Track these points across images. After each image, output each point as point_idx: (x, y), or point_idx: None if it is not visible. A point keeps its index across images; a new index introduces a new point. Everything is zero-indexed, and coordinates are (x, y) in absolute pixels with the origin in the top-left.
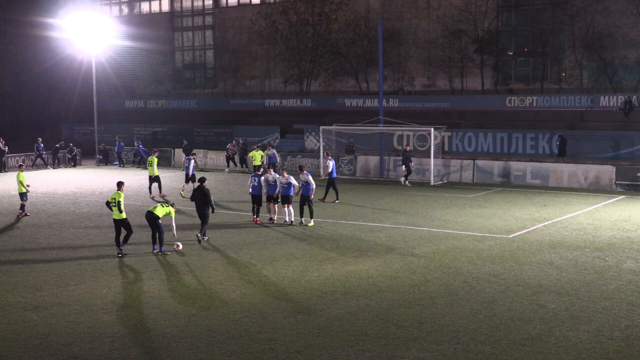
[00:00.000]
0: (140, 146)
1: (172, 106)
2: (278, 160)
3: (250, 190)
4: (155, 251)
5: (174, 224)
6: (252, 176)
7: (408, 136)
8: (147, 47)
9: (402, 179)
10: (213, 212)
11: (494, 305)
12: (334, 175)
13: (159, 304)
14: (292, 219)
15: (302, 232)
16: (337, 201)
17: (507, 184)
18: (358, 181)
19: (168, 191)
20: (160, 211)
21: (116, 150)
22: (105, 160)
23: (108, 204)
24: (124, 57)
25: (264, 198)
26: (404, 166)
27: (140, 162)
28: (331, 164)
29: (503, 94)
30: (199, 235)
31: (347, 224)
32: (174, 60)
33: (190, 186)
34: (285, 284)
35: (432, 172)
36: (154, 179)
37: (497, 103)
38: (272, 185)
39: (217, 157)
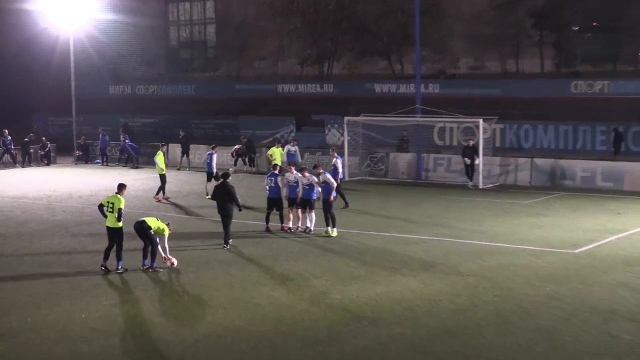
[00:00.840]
0: (127, 141)
1: (166, 93)
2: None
3: (268, 192)
4: (144, 267)
5: (166, 245)
6: (268, 176)
7: (451, 128)
8: (135, 22)
9: (470, 182)
10: (240, 210)
11: (556, 335)
12: (342, 176)
13: (149, 331)
14: (312, 227)
15: (322, 244)
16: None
17: (572, 188)
18: (390, 183)
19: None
20: (153, 223)
21: (99, 145)
22: (85, 157)
23: (101, 207)
24: (108, 33)
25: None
26: (470, 164)
27: (127, 160)
28: (339, 162)
29: (567, 78)
30: (226, 245)
31: (376, 236)
32: (167, 38)
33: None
34: (302, 308)
35: (480, 172)
36: (162, 177)
37: (560, 89)
38: (292, 186)
39: (219, 154)
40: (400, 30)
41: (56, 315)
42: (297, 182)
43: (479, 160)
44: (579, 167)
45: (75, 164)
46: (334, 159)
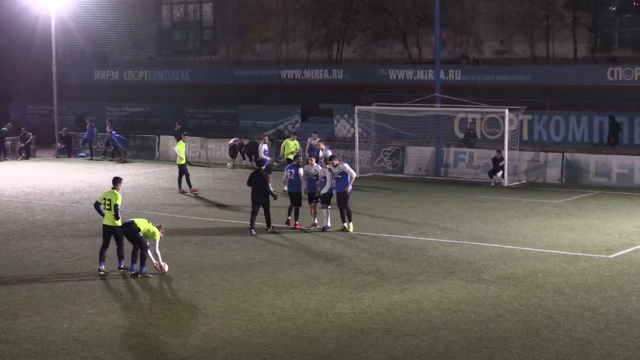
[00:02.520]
0: (114, 132)
1: (157, 78)
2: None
3: (286, 187)
4: (133, 272)
5: (157, 252)
6: (287, 168)
7: (474, 119)
8: (124, 0)
9: (492, 180)
10: (275, 199)
11: (589, 348)
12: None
13: (138, 343)
14: (329, 224)
15: (331, 248)
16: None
17: (608, 186)
18: (406, 180)
19: (156, 193)
20: (142, 225)
21: (85, 137)
22: (68, 150)
23: (98, 205)
24: (94, 12)
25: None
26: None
27: (114, 153)
28: (329, 153)
29: (603, 64)
30: (268, 228)
31: (390, 238)
32: (159, 18)
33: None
34: (308, 318)
35: (506, 168)
36: (181, 168)
37: (595, 76)
38: (312, 179)
39: (216, 148)
40: (418, 9)
41: (35, 325)
42: (317, 175)
43: (504, 158)
44: (615, 163)
45: (57, 157)
46: (322, 152)
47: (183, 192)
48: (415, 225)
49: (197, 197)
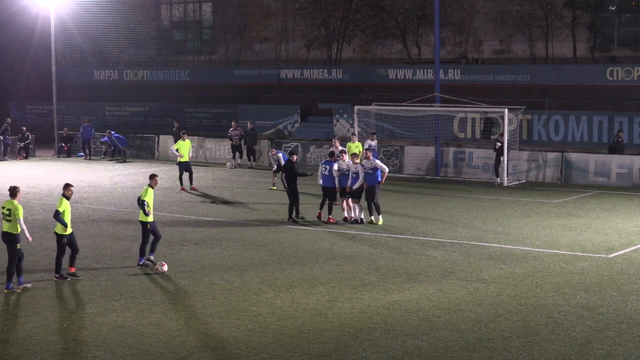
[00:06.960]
0: (113, 132)
1: (156, 78)
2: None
3: (321, 181)
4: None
5: (23, 227)
6: (322, 164)
7: (474, 119)
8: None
9: (497, 180)
10: (312, 174)
11: (589, 348)
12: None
13: (137, 342)
14: (362, 216)
15: (330, 248)
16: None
17: (607, 185)
18: (405, 179)
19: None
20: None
21: (82, 137)
22: (68, 150)
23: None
24: (93, 12)
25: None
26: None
27: (113, 152)
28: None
29: (602, 64)
30: (298, 217)
31: (389, 238)
32: (159, 17)
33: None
34: (307, 317)
35: (505, 168)
36: (183, 165)
37: (594, 76)
38: (345, 175)
39: (215, 147)
40: (417, 9)
41: (35, 325)
42: (348, 170)
43: (504, 156)
44: (614, 163)
45: (58, 157)
46: (333, 148)
47: (194, 189)
48: (415, 225)
49: (196, 195)
